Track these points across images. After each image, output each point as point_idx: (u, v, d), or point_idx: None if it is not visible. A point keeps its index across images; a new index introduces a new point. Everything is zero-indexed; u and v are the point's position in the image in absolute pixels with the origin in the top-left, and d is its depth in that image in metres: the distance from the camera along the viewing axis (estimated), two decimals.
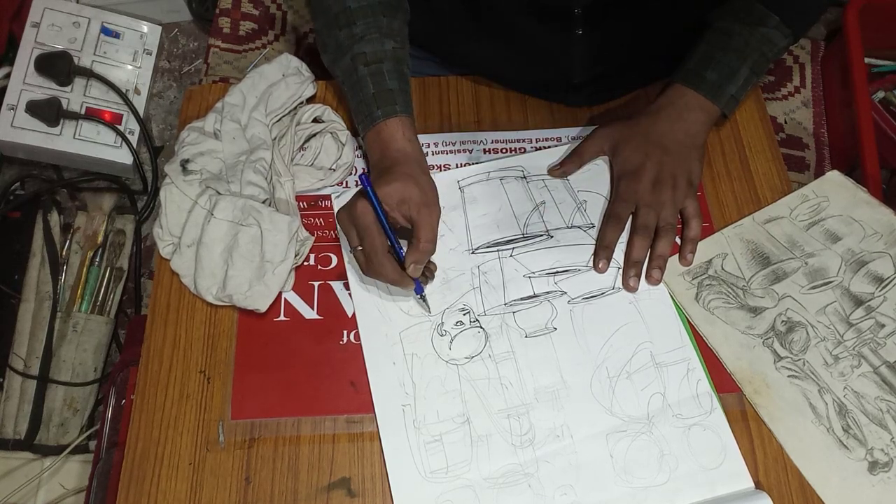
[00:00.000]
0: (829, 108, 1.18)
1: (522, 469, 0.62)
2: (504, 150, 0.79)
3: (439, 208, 0.67)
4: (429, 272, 0.69)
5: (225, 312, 0.70)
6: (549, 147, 0.79)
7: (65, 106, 1.28)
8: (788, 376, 0.65)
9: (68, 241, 1.27)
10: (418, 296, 0.69)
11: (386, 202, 0.64)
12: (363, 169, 0.78)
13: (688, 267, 0.72)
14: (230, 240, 0.69)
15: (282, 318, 0.69)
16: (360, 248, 0.65)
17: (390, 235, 0.64)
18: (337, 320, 0.69)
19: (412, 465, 0.62)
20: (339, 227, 0.69)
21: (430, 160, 0.78)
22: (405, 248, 0.66)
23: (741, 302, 0.69)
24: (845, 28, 1.13)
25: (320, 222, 0.75)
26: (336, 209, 0.74)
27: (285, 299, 0.70)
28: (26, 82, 1.26)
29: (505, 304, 0.69)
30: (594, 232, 0.73)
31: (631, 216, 0.73)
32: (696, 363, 0.66)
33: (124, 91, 1.31)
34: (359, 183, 0.67)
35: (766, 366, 0.66)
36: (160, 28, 1.41)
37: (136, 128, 1.32)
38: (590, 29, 0.75)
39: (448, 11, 0.79)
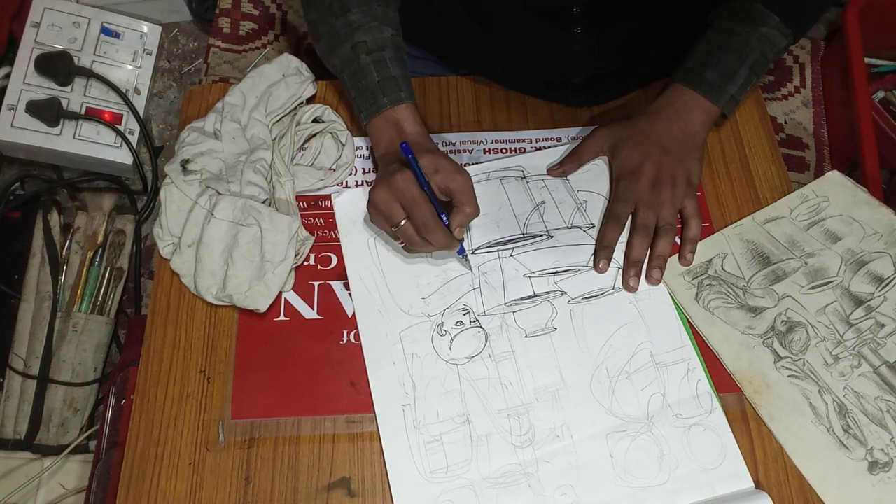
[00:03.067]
0: (829, 108, 1.18)
1: (522, 469, 0.62)
2: (504, 150, 0.79)
3: (469, 174, 0.67)
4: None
5: (225, 312, 0.70)
6: (549, 147, 0.79)
7: (65, 106, 1.28)
8: (788, 376, 0.65)
9: (68, 241, 1.27)
10: (461, 256, 0.70)
11: (423, 172, 0.64)
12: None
13: (688, 267, 0.72)
14: (230, 240, 0.69)
15: (282, 318, 0.69)
16: (406, 221, 0.64)
17: (435, 202, 0.65)
18: (337, 320, 0.69)
19: (412, 465, 0.62)
20: (372, 210, 0.66)
21: None
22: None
23: (741, 302, 0.69)
24: (845, 28, 1.13)
25: (320, 222, 0.75)
26: (336, 209, 0.74)
27: (285, 299, 0.70)
28: (26, 82, 1.27)
29: (505, 304, 0.69)
30: (594, 232, 0.73)
31: (630, 216, 0.73)
32: (696, 363, 0.66)
33: (124, 91, 1.31)
34: (384, 161, 0.68)
35: (766, 366, 0.66)
36: (160, 28, 1.41)
37: (136, 128, 1.32)
38: (589, 28, 0.75)
39: (448, 11, 0.79)
